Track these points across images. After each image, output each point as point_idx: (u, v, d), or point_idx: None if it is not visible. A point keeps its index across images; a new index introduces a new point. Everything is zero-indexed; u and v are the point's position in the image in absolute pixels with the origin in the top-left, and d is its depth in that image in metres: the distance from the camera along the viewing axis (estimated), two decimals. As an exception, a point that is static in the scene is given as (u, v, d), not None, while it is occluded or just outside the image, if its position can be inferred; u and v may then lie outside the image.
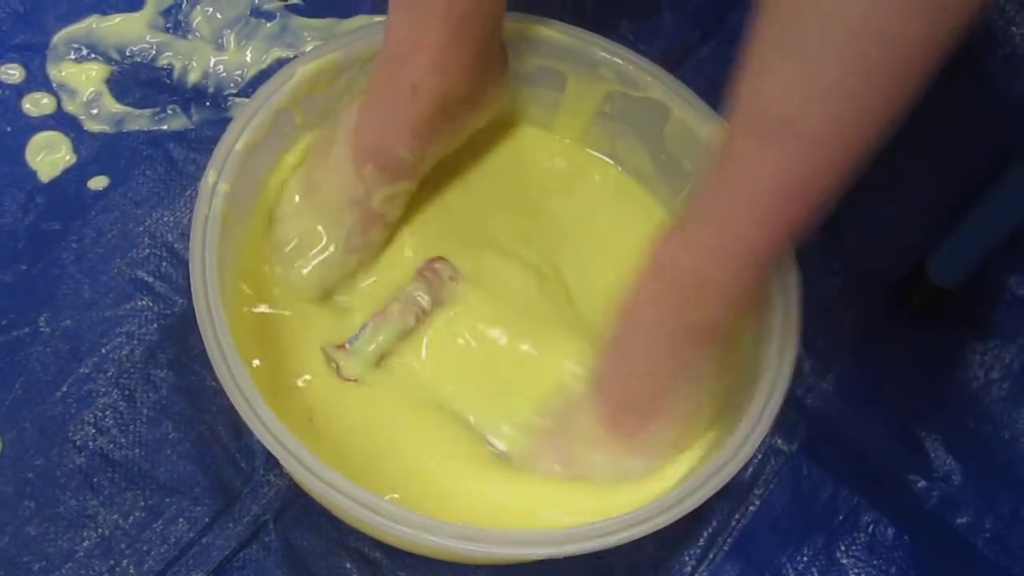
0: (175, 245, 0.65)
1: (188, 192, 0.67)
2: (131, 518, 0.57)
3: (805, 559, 0.62)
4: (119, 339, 0.61)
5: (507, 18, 0.59)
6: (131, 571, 0.55)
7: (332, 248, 0.58)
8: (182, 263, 0.64)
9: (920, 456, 0.66)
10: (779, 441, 0.64)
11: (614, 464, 0.53)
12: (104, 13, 0.73)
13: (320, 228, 0.58)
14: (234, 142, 0.56)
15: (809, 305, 0.56)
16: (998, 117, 0.77)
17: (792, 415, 0.65)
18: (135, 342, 0.61)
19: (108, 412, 0.59)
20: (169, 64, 0.72)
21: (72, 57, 0.71)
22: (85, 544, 0.56)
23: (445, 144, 0.59)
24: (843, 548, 0.62)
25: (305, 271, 0.58)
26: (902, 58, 0.37)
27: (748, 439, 0.52)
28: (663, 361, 0.51)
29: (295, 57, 0.72)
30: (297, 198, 0.59)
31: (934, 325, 0.71)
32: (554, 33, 0.62)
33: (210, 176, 0.55)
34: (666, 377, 0.51)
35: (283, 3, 0.75)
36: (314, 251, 0.58)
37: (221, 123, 0.69)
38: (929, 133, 0.75)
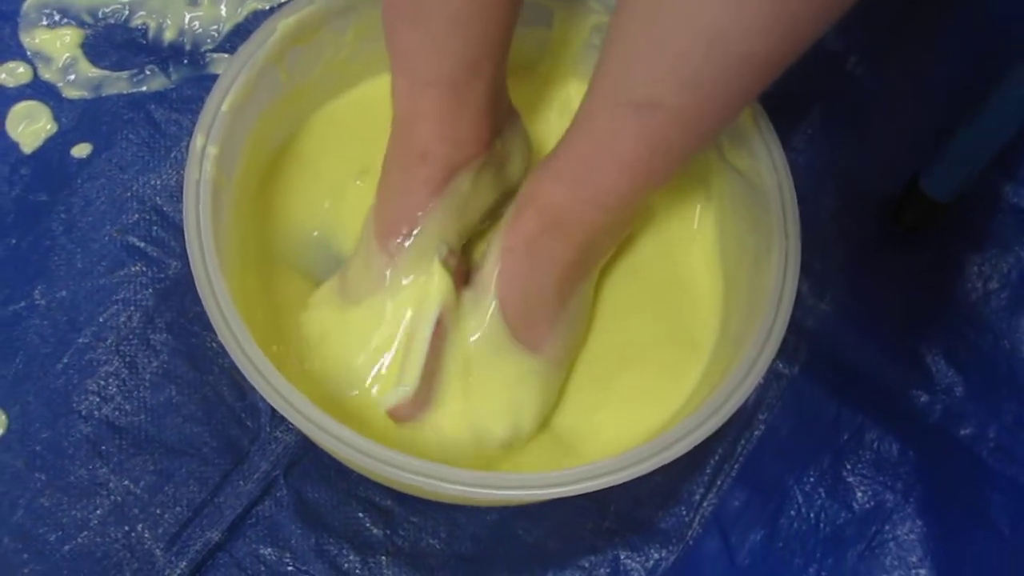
0: (164, 208, 0.64)
1: (173, 154, 0.66)
2: (142, 483, 0.57)
3: (812, 480, 0.62)
4: (116, 306, 0.61)
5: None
6: (146, 535, 0.56)
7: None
8: (173, 226, 0.64)
9: (921, 371, 0.67)
10: (780, 365, 0.65)
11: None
12: (73, -25, 0.71)
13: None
14: (220, 103, 0.56)
15: (805, 228, 0.56)
16: (987, 33, 0.76)
17: (792, 338, 0.65)
18: (132, 308, 0.61)
19: (111, 380, 0.60)
20: (143, 24, 0.71)
21: (44, 23, 0.70)
22: (98, 512, 0.57)
23: (470, 213, 0.58)
24: (848, 467, 0.63)
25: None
26: (763, 59, 0.42)
27: (754, 366, 0.52)
28: (554, 289, 0.54)
29: (271, 9, 0.71)
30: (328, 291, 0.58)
31: (930, 240, 0.71)
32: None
33: (198, 140, 0.54)
34: (558, 302, 0.54)
35: (254, -47, 0.73)
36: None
37: (201, 81, 0.69)
38: (918, 52, 0.74)
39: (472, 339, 0.54)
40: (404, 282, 0.55)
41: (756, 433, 0.63)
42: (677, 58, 0.43)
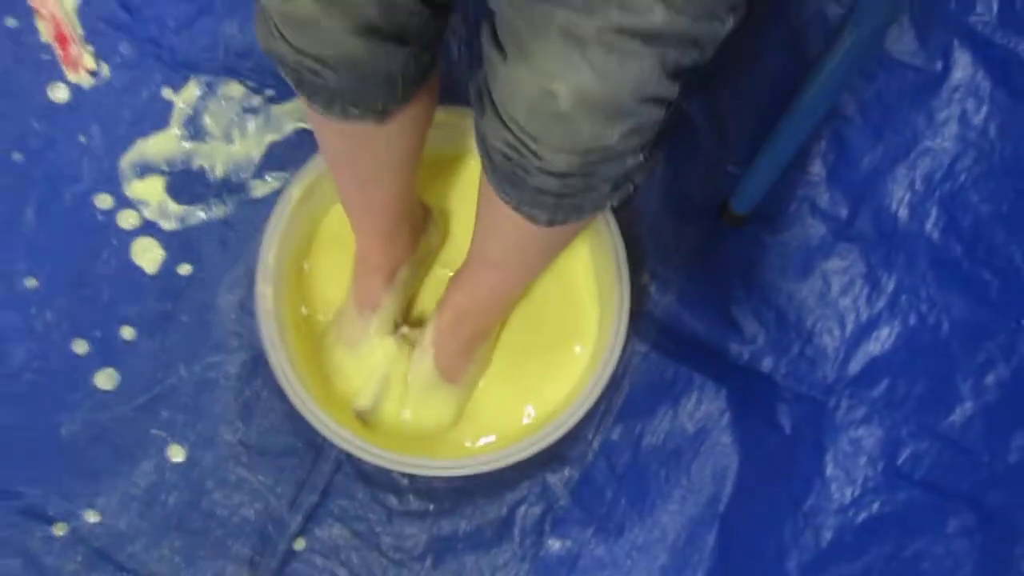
0: (247, 303, 1.03)
1: (240, 262, 1.03)
2: (268, 474, 1.00)
3: (660, 416, 1.02)
4: (227, 364, 1.02)
5: None
6: (273, 503, 0.99)
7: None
8: (248, 314, 1.02)
9: (735, 329, 1.04)
10: (636, 344, 1.02)
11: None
12: (145, 135, 1.06)
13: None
14: (268, 253, 0.94)
15: (650, 236, 0.96)
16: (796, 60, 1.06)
17: (645, 323, 1.03)
18: (237, 362, 1.02)
19: (239, 421, 1.01)
20: (201, 165, 1.06)
21: (137, 177, 1.06)
22: (246, 496, 1.00)
23: (412, 280, 0.97)
24: (684, 404, 1.02)
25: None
26: (552, 255, 0.82)
27: (611, 355, 0.92)
28: (466, 347, 0.94)
29: (285, 140, 1.06)
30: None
31: (742, 233, 1.05)
32: None
33: (260, 285, 0.93)
34: (468, 353, 0.95)
35: (262, 98, 1.07)
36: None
37: (249, 204, 1.04)
38: (735, 80, 1.05)
39: (412, 378, 0.94)
40: (374, 339, 0.95)
41: (624, 392, 1.02)
42: (505, 245, 0.80)
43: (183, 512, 0.98)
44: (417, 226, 0.94)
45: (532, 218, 0.69)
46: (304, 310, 0.99)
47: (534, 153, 0.61)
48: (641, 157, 0.63)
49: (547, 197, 0.66)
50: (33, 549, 0.97)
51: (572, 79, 0.56)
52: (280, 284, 0.96)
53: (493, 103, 0.61)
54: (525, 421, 0.99)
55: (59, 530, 0.97)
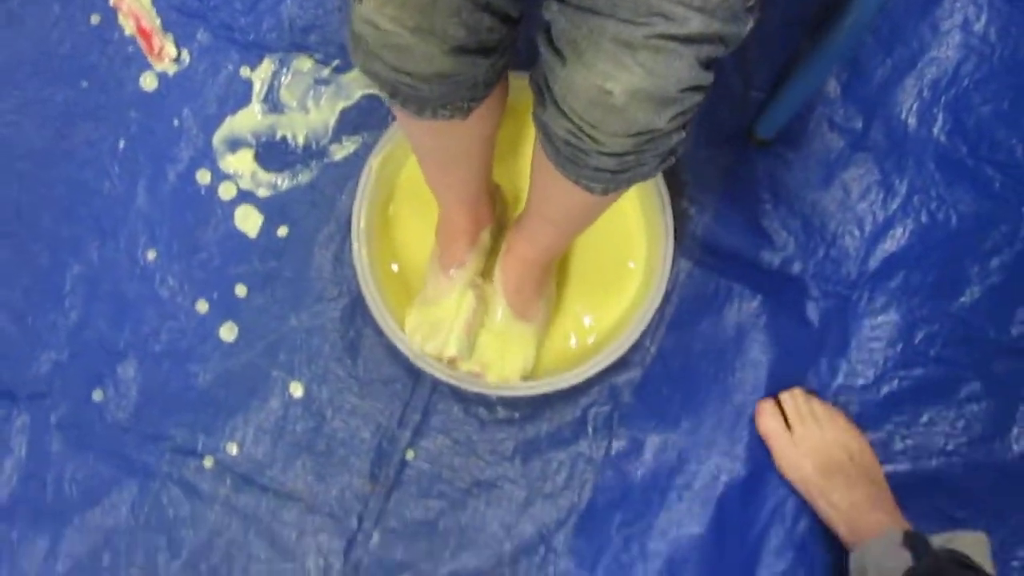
0: (340, 255, 1.18)
1: (331, 219, 1.18)
2: (380, 402, 1.18)
3: (706, 321, 1.18)
4: (329, 304, 1.18)
5: None
6: (383, 423, 1.18)
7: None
8: (343, 265, 1.17)
9: (767, 240, 1.18)
10: (682, 263, 1.18)
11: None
12: (231, 112, 1.20)
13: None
14: (359, 218, 1.09)
15: (687, 168, 1.10)
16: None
17: (687, 243, 1.17)
18: (338, 307, 1.18)
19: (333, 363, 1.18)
20: (283, 136, 1.20)
21: (229, 151, 1.20)
22: (362, 419, 1.18)
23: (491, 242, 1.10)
24: (726, 312, 1.18)
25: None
26: (602, 211, 0.94)
27: (662, 278, 1.08)
28: (533, 288, 1.09)
29: (356, 106, 1.19)
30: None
31: (768, 152, 1.19)
32: None
33: (355, 245, 1.08)
34: (536, 293, 1.09)
35: (330, 68, 1.19)
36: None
37: (331, 167, 1.19)
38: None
39: (490, 322, 1.10)
40: (459, 293, 1.09)
41: (674, 304, 1.18)
42: (561, 208, 0.93)
43: (309, 438, 1.17)
44: (493, 195, 1.08)
45: (589, 190, 0.83)
46: (395, 267, 1.15)
47: (593, 139, 0.73)
48: (684, 133, 0.75)
49: (604, 173, 0.78)
50: (189, 479, 1.16)
51: (625, 78, 0.68)
52: (371, 241, 1.11)
53: (554, 98, 0.73)
54: (588, 327, 1.16)
55: (208, 462, 1.16)
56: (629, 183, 0.81)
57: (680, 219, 1.16)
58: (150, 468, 1.15)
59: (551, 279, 1.12)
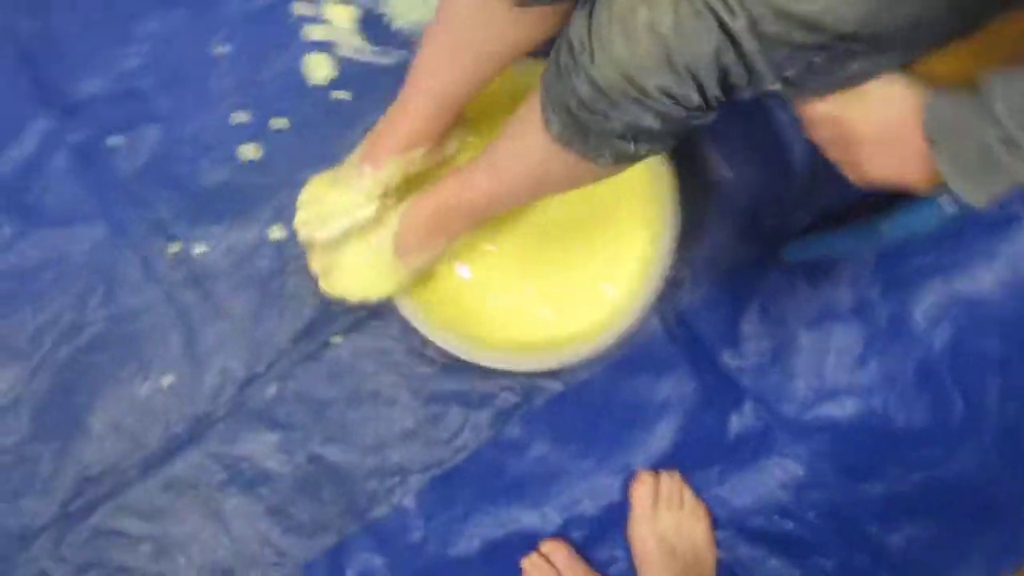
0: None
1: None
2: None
3: (644, 380, 1.23)
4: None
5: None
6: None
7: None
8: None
9: (736, 342, 1.23)
10: (654, 320, 1.22)
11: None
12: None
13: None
14: None
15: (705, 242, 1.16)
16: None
17: (669, 307, 1.22)
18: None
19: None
20: (382, 14, 1.23)
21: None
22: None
23: (418, 163, 1.06)
24: (663, 383, 1.23)
25: None
26: (541, 188, 0.96)
27: (632, 323, 1.14)
28: (425, 237, 1.08)
29: None
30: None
31: (786, 269, 1.22)
32: None
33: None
34: (424, 242, 1.08)
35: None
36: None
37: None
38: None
39: (371, 239, 1.09)
40: (361, 193, 1.05)
41: (622, 351, 1.23)
42: (511, 149, 0.93)
43: (265, 276, 1.23)
44: (454, 122, 1.04)
45: (547, 125, 0.83)
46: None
47: (592, 55, 0.75)
48: (656, 125, 0.78)
49: (571, 103, 0.79)
50: (150, 254, 1.24)
51: (658, 10, 0.72)
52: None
53: (587, 24, 0.76)
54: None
55: (174, 248, 1.24)
56: (582, 142, 0.83)
57: (673, 283, 1.20)
58: (123, 225, 1.23)
59: (444, 244, 1.10)
